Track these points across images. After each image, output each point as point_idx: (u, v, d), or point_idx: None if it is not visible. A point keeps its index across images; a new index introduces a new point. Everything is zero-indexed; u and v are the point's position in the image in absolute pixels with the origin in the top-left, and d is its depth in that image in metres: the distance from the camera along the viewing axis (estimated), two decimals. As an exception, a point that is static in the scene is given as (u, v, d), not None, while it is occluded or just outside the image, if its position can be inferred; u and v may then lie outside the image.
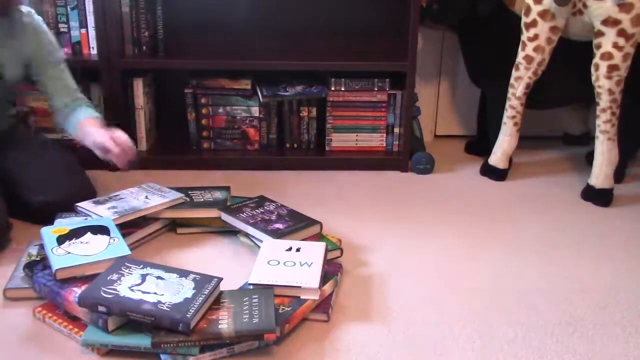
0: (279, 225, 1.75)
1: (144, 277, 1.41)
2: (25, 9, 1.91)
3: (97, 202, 1.82)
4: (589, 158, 2.40)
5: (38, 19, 1.95)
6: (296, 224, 1.76)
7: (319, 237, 1.76)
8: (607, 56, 2.02)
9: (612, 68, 2.02)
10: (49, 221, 1.75)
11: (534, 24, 2.12)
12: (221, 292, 1.43)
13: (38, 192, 1.83)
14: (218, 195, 1.93)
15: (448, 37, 2.65)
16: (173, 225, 1.87)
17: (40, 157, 1.93)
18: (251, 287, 1.47)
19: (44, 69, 1.95)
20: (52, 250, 1.51)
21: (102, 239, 1.59)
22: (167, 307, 1.31)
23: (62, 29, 2.27)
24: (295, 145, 2.46)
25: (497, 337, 1.42)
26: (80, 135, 1.93)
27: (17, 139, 1.95)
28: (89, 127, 1.90)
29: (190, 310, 1.30)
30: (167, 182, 2.08)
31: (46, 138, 2.13)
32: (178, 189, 1.93)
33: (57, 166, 1.93)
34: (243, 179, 2.26)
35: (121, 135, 1.84)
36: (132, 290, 1.36)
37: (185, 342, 1.27)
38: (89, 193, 1.93)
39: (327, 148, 2.45)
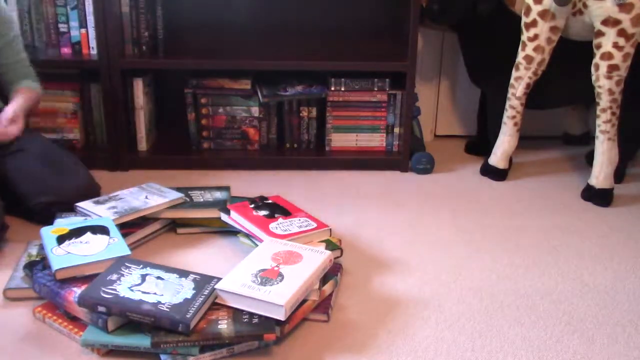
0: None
1: (143, 277, 1.41)
2: None
3: (97, 202, 1.82)
4: (589, 158, 2.40)
5: None
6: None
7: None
8: (607, 56, 2.02)
9: (612, 68, 2.02)
10: (50, 221, 1.75)
11: (534, 24, 2.12)
12: (221, 292, 1.43)
13: (43, 193, 1.83)
14: (218, 195, 1.93)
15: (448, 37, 2.65)
16: (173, 225, 1.87)
17: (42, 157, 1.93)
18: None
19: (2, 43, 1.94)
20: (51, 250, 1.51)
21: (101, 238, 1.59)
22: (166, 307, 1.31)
23: (62, 29, 2.27)
24: (295, 145, 2.46)
25: (497, 337, 1.42)
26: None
27: (18, 140, 1.94)
28: (14, 97, 1.93)
29: (190, 311, 1.30)
30: (167, 182, 2.08)
31: (45, 138, 2.12)
32: (178, 189, 1.94)
33: (62, 165, 1.93)
34: (243, 179, 2.26)
35: (6, 116, 1.87)
36: (132, 290, 1.36)
37: (185, 342, 1.27)
38: (96, 189, 1.95)
39: (327, 148, 2.45)
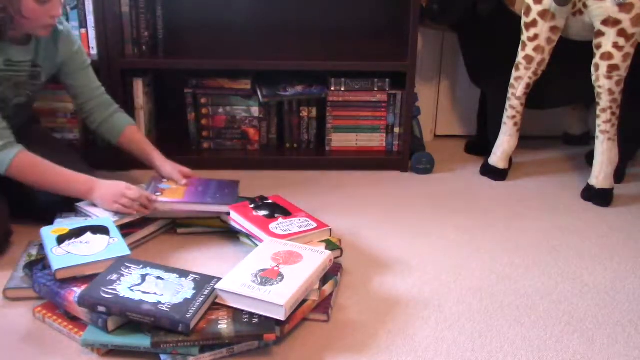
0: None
1: (143, 277, 1.41)
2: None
3: (98, 202, 1.82)
4: (589, 158, 2.40)
5: (68, 26, 1.99)
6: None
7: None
8: (607, 56, 2.02)
9: (612, 68, 2.02)
10: (51, 221, 1.75)
11: (534, 24, 2.12)
12: (221, 292, 1.43)
13: (50, 191, 1.83)
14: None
15: (448, 37, 2.65)
16: (173, 225, 1.87)
17: (50, 156, 1.93)
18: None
19: (73, 74, 1.98)
20: (51, 250, 1.51)
21: (101, 239, 1.59)
22: (166, 307, 1.31)
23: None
24: (295, 145, 2.46)
25: (497, 337, 1.42)
26: (126, 145, 2.04)
27: (29, 138, 1.95)
28: (150, 153, 2.02)
29: (190, 311, 1.30)
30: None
31: (55, 137, 2.13)
32: (178, 189, 1.94)
33: (69, 164, 1.93)
34: (243, 179, 2.26)
35: (189, 172, 1.99)
36: (132, 290, 1.36)
37: (185, 342, 1.27)
38: None
39: (327, 148, 2.45)
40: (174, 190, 1.87)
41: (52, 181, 1.76)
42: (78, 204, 1.81)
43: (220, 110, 2.39)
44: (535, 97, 2.29)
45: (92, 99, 2.00)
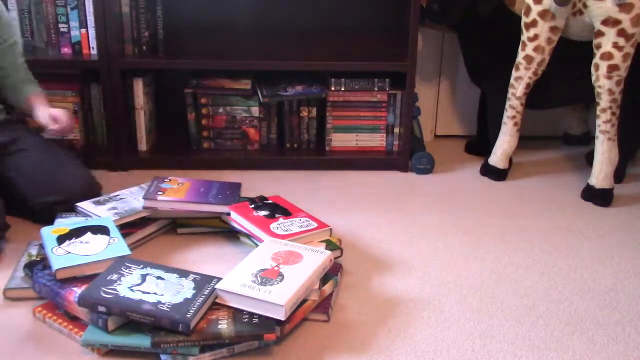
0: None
1: (144, 277, 1.41)
2: None
3: (98, 203, 1.82)
4: (589, 158, 2.40)
5: None
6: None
7: (319, 237, 1.76)
8: (607, 56, 2.02)
9: (612, 68, 2.02)
10: (50, 221, 1.75)
11: (534, 24, 2.12)
12: (221, 292, 1.43)
13: (46, 193, 1.83)
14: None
15: (448, 37, 2.65)
16: (173, 225, 1.87)
17: (44, 157, 1.93)
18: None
19: (4, 47, 1.97)
20: (52, 250, 1.51)
21: (102, 238, 1.59)
22: (167, 307, 1.31)
23: (62, 29, 2.27)
24: (295, 145, 2.46)
25: (497, 337, 1.42)
26: (26, 107, 2.02)
27: (18, 141, 1.95)
28: (34, 103, 1.99)
29: (190, 311, 1.30)
30: (167, 182, 2.08)
31: (45, 138, 2.13)
32: (178, 189, 1.94)
33: (63, 165, 1.93)
34: (243, 179, 2.26)
35: (59, 114, 1.93)
36: (132, 290, 1.36)
37: (185, 342, 1.27)
38: (97, 189, 1.95)
39: (327, 148, 2.45)
40: (176, 189, 1.87)
41: None
42: (78, 205, 1.81)
43: (220, 110, 2.39)
44: (535, 97, 2.29)
45: (13, 74, 2.01)
